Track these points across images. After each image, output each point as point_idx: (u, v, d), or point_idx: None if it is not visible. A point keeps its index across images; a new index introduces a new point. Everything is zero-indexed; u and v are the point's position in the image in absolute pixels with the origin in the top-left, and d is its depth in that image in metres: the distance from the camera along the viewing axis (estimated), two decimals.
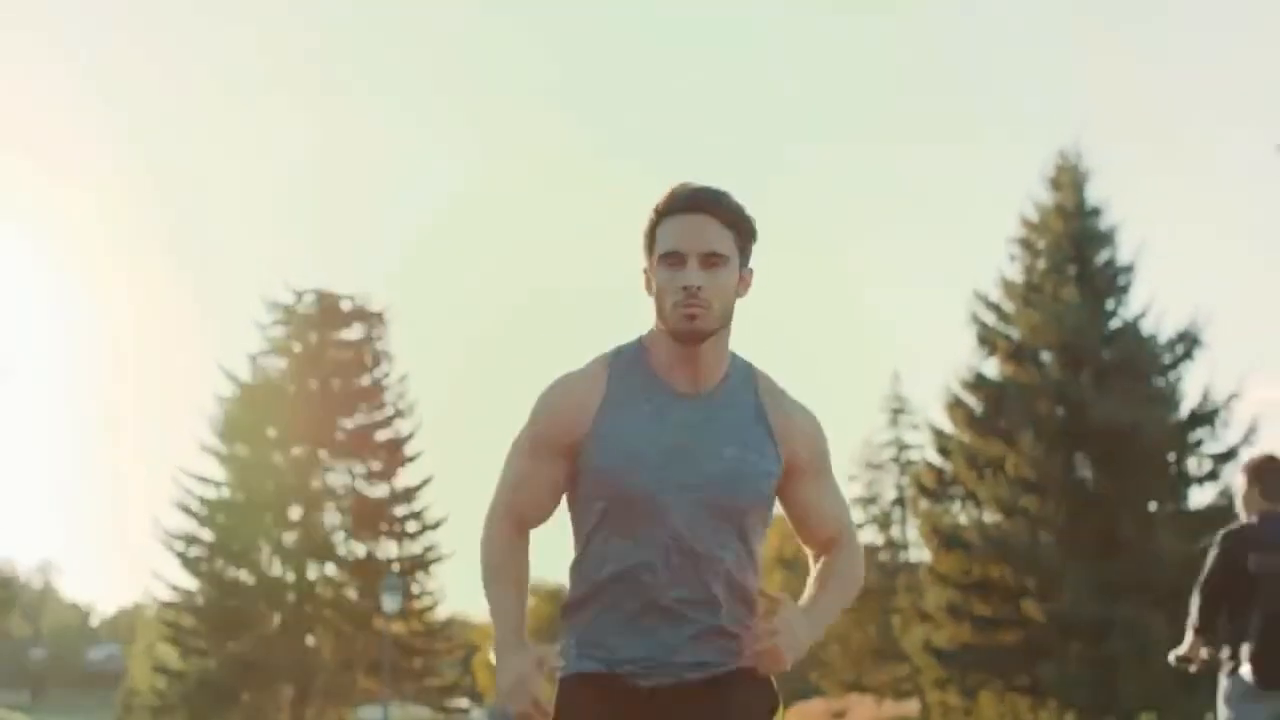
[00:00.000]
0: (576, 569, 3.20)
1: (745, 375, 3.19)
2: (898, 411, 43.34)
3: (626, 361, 3.18)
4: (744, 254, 3.15)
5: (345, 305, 38.41)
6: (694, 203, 3.10)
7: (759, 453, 3.11)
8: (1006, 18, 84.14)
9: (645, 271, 3.17)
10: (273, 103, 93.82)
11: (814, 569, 3.30)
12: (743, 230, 3.13)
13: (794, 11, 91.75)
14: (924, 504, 31.80)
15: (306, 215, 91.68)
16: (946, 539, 30.05)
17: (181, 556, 36.62)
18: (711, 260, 3.06)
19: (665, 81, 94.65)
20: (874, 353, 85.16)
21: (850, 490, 45.69)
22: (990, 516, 30.01)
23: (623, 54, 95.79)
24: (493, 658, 3.15)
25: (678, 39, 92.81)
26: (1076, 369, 29.11)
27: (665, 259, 3.08)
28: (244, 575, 36.75)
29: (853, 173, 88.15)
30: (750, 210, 3.17)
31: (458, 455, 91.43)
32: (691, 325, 3.05)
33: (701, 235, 3.07)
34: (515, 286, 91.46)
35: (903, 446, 43.06)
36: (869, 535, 42.74)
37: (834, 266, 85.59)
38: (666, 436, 3.09)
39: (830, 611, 3.22)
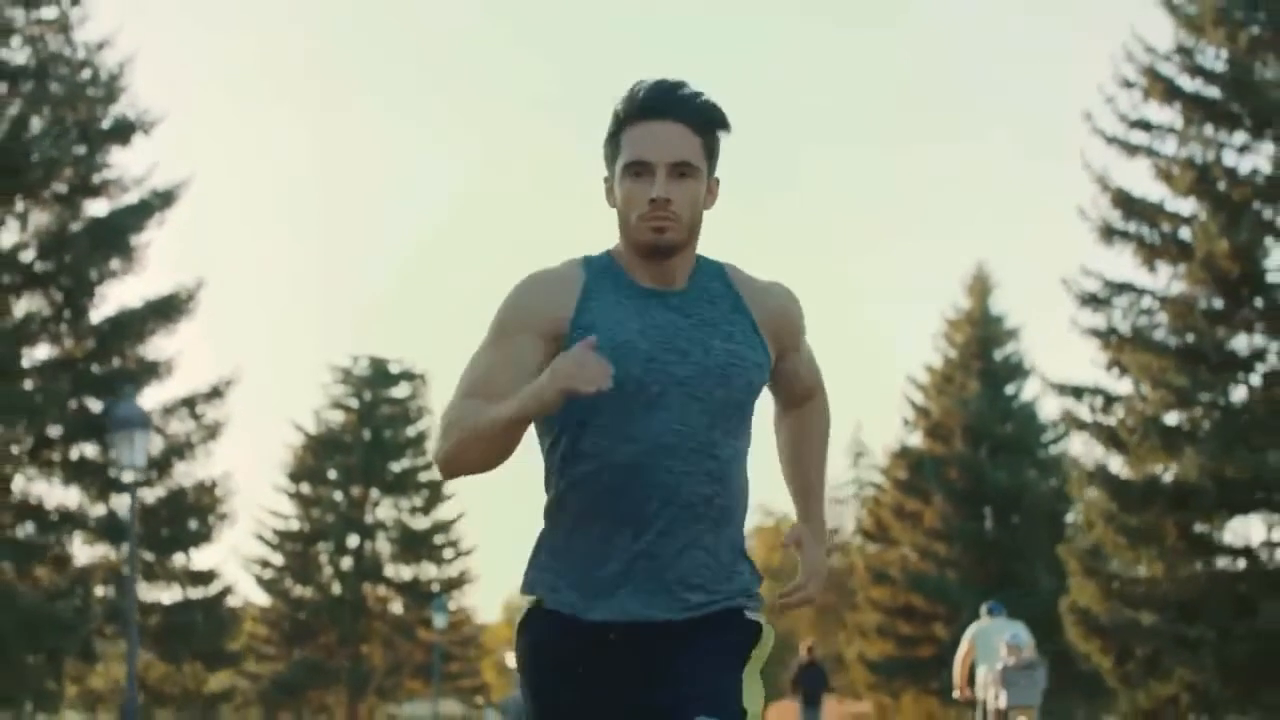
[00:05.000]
0: (555, 473, 3.10)
1: (715, 270, 3.16)
2: (859, 455, 54.67)
3: (598, 262, 3.12)
4: (712, 162, 3.08)
5: (394, 368, 49.19)
6: (661, 107, 3.03)
7: (748, 345, 3.09)
8: (1007, 27, 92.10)
9: (606, 181, 3.10)
10: (272, 110, 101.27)
11: (786, 419, 3.36)
12: (712, 134, 3.08)
13: (794, 18, 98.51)
14: (866, 544, 43.26)
15: (308, 219, 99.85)
16: (877, 574, 41.42)
17: (257, 578, 47.44)
18: (680, 170, 3.00)
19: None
20: (872, 362, 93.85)
21: None
22: (911, 557, 41.27)
23: (623, 61, 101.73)
24: (520, 405, 2.91)
25: (678, 45, 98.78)
26: (977, 445, 40.29)
27: (630, 169, 3.01)
28: (309, 593, 46.23)
29: (855, 180, 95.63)
30: (722, 107, 3.10)
31: (487, 493, 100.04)
32: (659, 238, 3.00)
33: (670, 144, 3.00)
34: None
35: (862, 485, 54.19)
36: (832, 560, 53.99)
37: (833, 278, 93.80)
38: (652, 329, 3.04)
39: (822, 501, 3.38)
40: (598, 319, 3.04)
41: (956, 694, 15.95)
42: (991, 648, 15.32)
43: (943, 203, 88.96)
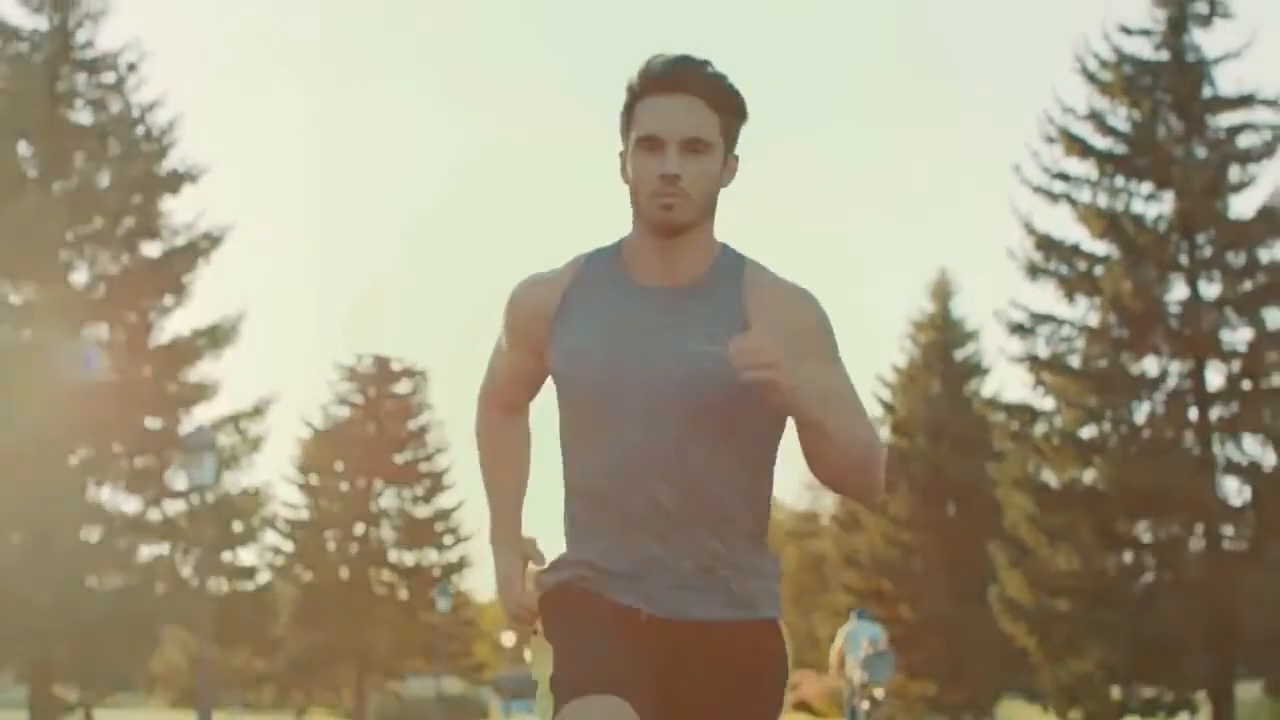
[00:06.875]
0: (564, 481, 3.19)
1: (733, 268, 3.10)
2: None
3: (599, 259, 3.15)
4: (730, 139, 3.07)
5: (396, 366, 52.87)
6: (676, 81, 3.01)
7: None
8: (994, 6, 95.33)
9: (621, 155, 3.09)
10: (276, 90, 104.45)
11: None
12: (730, 113, 3.05)
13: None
14: (839, 532, 48.13)
15: (310, 210, 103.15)
16: (848, 559, 46.28)
17: (270, 564, 51.46)
18: (693, 146, 3.00)
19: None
20: (856, 355, 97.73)
21: (796, 506, 62.18)
22: (879, 544, 46.10)
23: (632, 50, 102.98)
24: (494, 557, 3.26)
25: (677, 35, 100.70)
26: (938, 440, 45.04)
27: (642, 143, 3.02)
28: (318, 578, 49.87)
29: (846, 154, 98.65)
30: (739, 87, 3.07)
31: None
32: (667, 216, 3.00)
33: (683, 119, 3.00)
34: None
35: None
36: (814, 545, 58.90)
37: (815, 270, 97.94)
38: (621, 333, 3.04)
39: (829, 405, 2.95)
40: (563, 330, 3.10)
41: (832, 673, 21.67)
42: (857, 642, 20.75)
43: (919, 183, 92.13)
